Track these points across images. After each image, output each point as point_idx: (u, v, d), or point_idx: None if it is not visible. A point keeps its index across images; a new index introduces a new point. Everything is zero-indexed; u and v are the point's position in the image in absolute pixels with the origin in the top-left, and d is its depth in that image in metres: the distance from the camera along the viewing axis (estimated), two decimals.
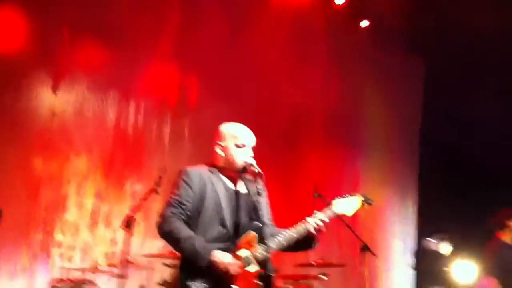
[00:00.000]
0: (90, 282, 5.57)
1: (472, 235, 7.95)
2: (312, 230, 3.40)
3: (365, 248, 5.33)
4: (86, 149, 6.71)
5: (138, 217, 5.63)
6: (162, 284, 5.21)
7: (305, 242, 3.48)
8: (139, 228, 6.17)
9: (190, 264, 3.22)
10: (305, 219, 3.43)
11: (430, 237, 7.79)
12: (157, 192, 4.96)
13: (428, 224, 8.70)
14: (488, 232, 5.80)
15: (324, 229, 3.44)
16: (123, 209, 6.35)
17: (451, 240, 7.58)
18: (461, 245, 7.67)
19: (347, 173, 8.54)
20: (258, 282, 3.21)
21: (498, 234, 5.56)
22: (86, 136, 6.74)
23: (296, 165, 7.72)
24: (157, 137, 6.97)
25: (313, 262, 5.94)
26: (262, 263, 3.24)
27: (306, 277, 6.02)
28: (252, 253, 3.30)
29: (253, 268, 3.28)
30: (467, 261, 7.26)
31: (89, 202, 6.64)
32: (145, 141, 6.96)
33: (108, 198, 6.72)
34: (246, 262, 3.28)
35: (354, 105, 8.79)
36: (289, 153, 7.73)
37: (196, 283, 3.20)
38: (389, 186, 9.03)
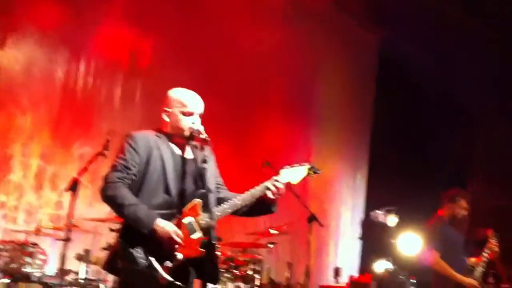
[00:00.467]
0: (34, 245, 5.45)
1: (417, 209, 8.16)
2: (269, 194, 3.41)
3: (312, 218, 5.39)
4: (33, 108, 6.45)
5: (85, 180, 5.53)
6: (106, 249, 5.13)
7: (262, 207, 3.49)
8: (85, 191, 6.04)
9: (132, 230, 3.17)
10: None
11: (378, 210, 7.95)
12: (105, 156, 4.85)
13: (376, 197, 8.87)
14: (432, 208, 5.94)
15: (281, 192, 3.45)
16: (70, 172, 6.19)
17: (397, 213, 7.77)
18: (407, 218, 7.86)
19: (300, 143, 8.56)
20: (201, 249, 3.19)
21: (440, 211, 5.71)
22: (33, 94, 6.48)
23: (249, 133, 7.68)
24: (107, 99, 6.74)
25: (261, 231, 5.97)
26: (206, 230, 3.21)
27: (254, 245, 6.05)
28: (196, 220, 3.28)
29: (196, 235, 3.26)
30: (412, 234, 7.43)
31: (34, 163, 6.42)
32: (95, 102, 6.73)
33: (54, 160, 6.52)
34: (190, 229, 3.26)
35: (310, 76, 8.77)
36: (243, 121, 7.67)
37: (138, 250, 3.16)
38: (340, 157, 9.12)
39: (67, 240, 4.84)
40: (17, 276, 5.03)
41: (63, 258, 4.58)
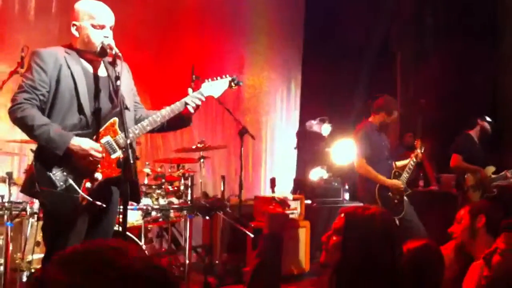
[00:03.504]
0: None
1: (350, 117, 8.29)
2: (190, 108, 3.38)
3: (243, 131, 5.38)
4: None
5: (3, 100, 5.23)
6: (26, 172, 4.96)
7: (179, 122, 3.47)
8: (5, 112, 5.74)
9: (47, 152, 3.04)
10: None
11: (312, 119, 8.02)
12: (20, 74, 4.56)
13: (310, 107, 8.90)
14: (362, 114, 5.99)
15: (194, 109, 3.41)
16: None
17: (331, 122, 7.86)
18: (340, 127, 7.97)
19: (231, 56, 8.34)
20: (119, 168, 3.10)
21: (370, 117, 5.74)
22: None
23: (176, 45, 7.37)
24: (21, 12, 6.22)
25: (194, 146, 5.91)
26: (124, 148, 3.10)
27: (187, 160, 6.01)
28: (114, 139, 3.18)
29: (117, 154, 3.17)
30: (345, 142, 7.55)
31: None
32: (7, 17, 6.17)
33: None
34: (109, 148, 3.17)
35: None
36: (170, 32, 7.32)
37: (54, 172, 3.04)
38: (273, 69, 8.99)
39: None
40: None
41: None
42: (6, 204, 4.77)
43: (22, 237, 4.90)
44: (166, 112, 3.33)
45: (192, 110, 3.40)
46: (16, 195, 4.87)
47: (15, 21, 6.23)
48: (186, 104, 3.38)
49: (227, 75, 3.64)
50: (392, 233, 2.13)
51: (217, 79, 3.60)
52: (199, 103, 3.43)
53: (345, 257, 2.13)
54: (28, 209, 4.66)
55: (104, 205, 3.12)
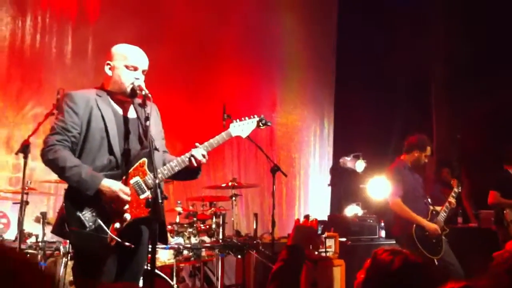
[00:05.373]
0: None
1: (385, 152, 8.15)
2: (194, 162, 3.29)
3: (275, 169, 5.34)
4: None
5: (39, 141, 5.35)
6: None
7: (188, 173, 3.38)
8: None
9: (77, 192, 3.08)
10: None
11: (346, 156, 7.93)
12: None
13: (343, 143, 8.84)
14: (398, 150, 5.93)
15: (203, 161, 3.32)
16: (24, 133, 5.95)
17: (365, 158, 7.75)
18: (375, 163, 7.85)
19: (264, 93, 8.40)
20: (148, 208, 3.10)
21: (402, 156, 5.70)
22: None
23: (209, 84, 7.47)
24: (58, 55, 6.42)
25: (224, 185, 5.90)
26: (153, 189, 3.11)
27: (219, 198, 6.00)
28: (143, 180, 3.20)
29: (145, 195, 3.18)
30: (380, 178, 7.42)
31: None
32: (45, 60, 6.39)
33: (7, 122, 6.25)
34: (137, 189, 3.18)
35: (270, 22, 8.50)
36: (202, 71, 7.43)
37: (84, 213, 3.07)
38: (306, 106, 9.00)
39: (22, 203, 4.72)
40: None
41: (21, 222, 4.47)
42: (40, 243, 4.85)
43: (56, 276, 4.94)
44: (178, 160, 3.31)
45: (195, 164, 3.31)
46: (51, 235, 4.92)
47: (52, 64, 6.43)
48: (192, 156, 3.30)
49: (255, 116, 3.66)
50: (411, 282, 2.09)
51: (245, 119, 3.61)
52: (200, 157, 3.32)
53: None
54: (62, 249, 4.70)
55: (133, 246, 3.12)
